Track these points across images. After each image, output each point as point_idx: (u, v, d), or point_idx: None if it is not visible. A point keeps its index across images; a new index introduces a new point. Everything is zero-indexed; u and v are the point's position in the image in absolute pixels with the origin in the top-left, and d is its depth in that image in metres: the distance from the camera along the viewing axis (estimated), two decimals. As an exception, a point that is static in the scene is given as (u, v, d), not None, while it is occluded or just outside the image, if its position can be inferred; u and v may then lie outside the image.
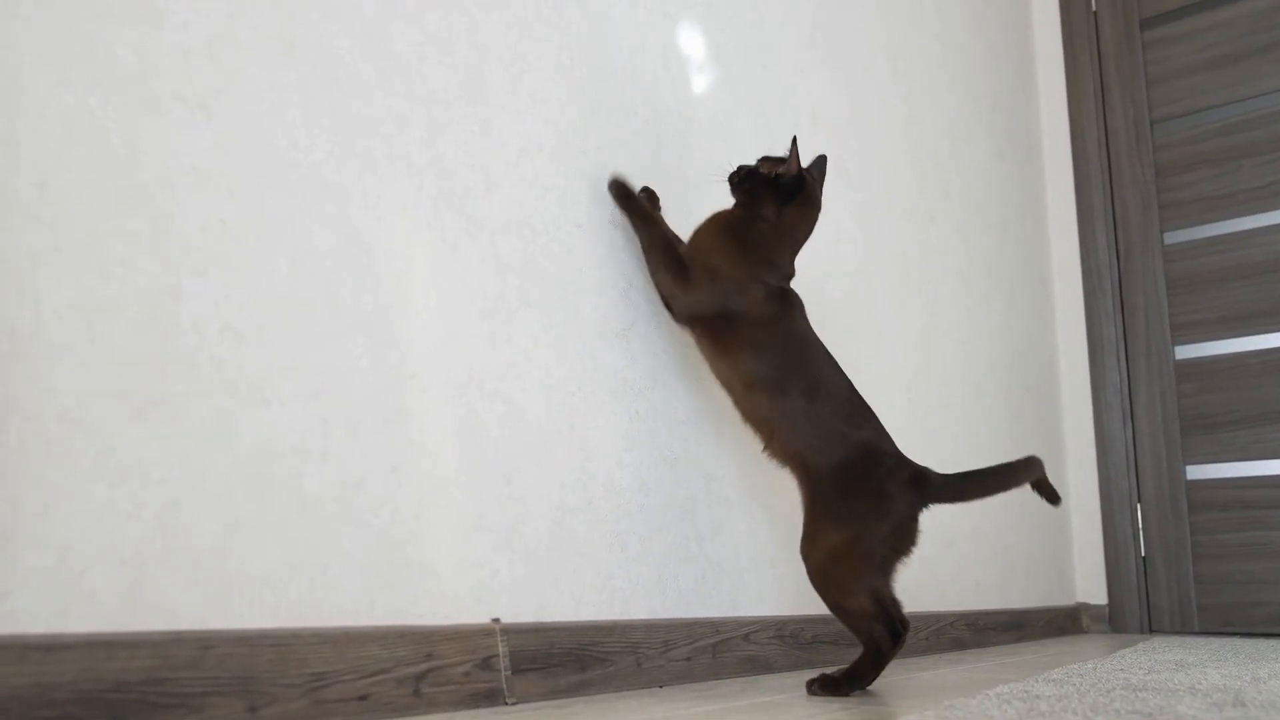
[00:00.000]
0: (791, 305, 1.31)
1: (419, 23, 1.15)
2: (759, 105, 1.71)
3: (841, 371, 1.31)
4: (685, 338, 1.48)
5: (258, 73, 0.98)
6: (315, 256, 1.01)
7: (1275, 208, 2.57)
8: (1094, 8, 2.86)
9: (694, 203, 1.53)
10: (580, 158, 1.35)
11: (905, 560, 1.24)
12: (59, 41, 0.84)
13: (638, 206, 1.35)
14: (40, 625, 0.77)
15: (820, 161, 1.39)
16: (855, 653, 1.23)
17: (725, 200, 1.65)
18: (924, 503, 1.24)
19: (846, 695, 1.17)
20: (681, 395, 1.46)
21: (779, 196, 1.30)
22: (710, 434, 1.50)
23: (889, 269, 2.04)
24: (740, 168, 1.34)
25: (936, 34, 2.37)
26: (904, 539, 1.23)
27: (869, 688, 1.23)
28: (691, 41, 1.58)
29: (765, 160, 1.33)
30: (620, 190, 1.35)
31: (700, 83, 1.59)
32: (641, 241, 1.35)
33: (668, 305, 1.35)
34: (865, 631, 1.20)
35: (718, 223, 1.32)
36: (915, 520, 1.23)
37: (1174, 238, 2.69)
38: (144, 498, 0.85)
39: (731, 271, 1.27)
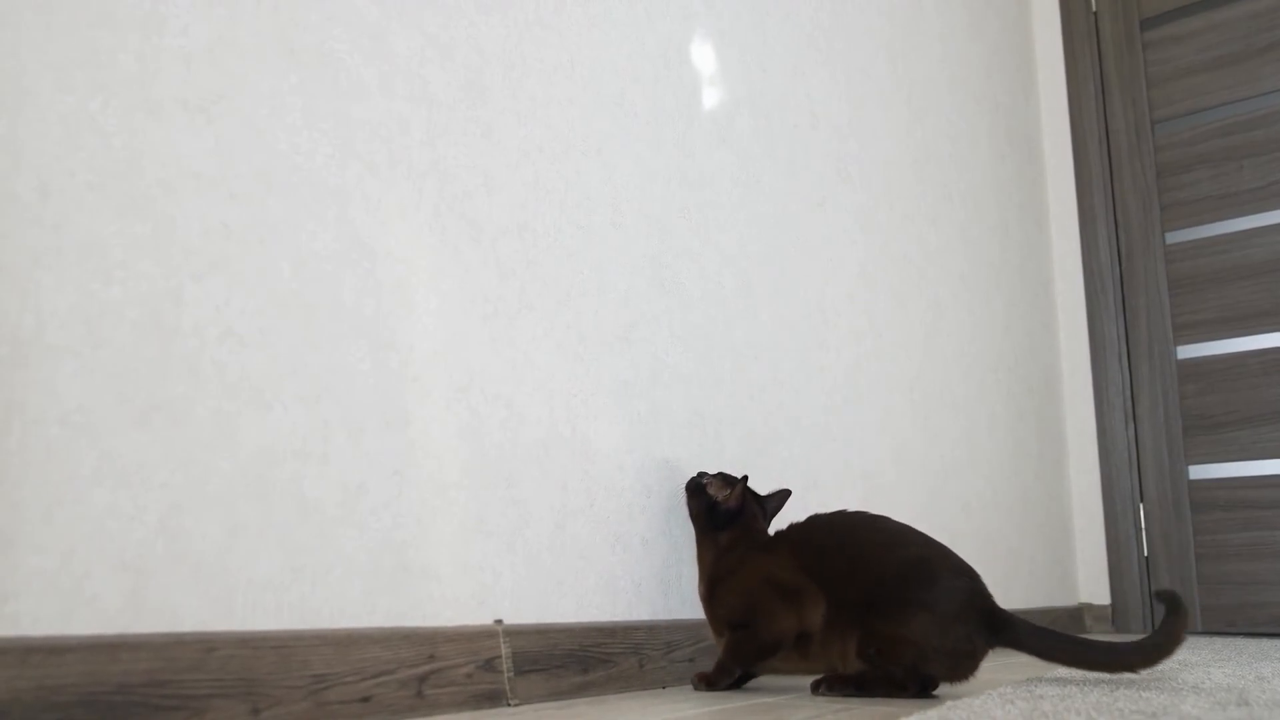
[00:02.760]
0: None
1: (419, 26, 1.16)
2: (759, 106, 1.72)
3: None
4: (687, 339, 1.48)
5: (258, 76, 0.98)
6: (316, 260, 1.01)
7: (1276, 207, 2.57)
8: (1094, 8, 2.86)
9: (695, 204, 1.54)
10: (581, 160, 1.35)
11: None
12: (60, 46, 0.84)
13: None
14: (43, 628, 0.77)
15: (782, 495, 1.38)
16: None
17: (730, 201, 1.66)
18: None
19: (851, 697, 1.17)
20: (682, 396, 1.46)
21: (715, 521, 1.31)
22: (712, 434, 1.50)
23: (890, 271, 2.04)
24: (700, 476, 1.36)
25: (937, 35, 2.37)
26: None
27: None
28: (692, 43, 1.58)
29: (718, 479, 1.34)
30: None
31: (700, 84, 1.59)
32: None
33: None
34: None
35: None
36: None
37: (1175, 238, 2.69)
38: (146, 501, 0.85)
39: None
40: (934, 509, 2.07)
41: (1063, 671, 1.39)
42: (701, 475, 1.37)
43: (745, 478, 1.32)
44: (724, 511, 1.31)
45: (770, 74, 1.76)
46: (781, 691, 1.24)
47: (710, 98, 1.61)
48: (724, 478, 1.35)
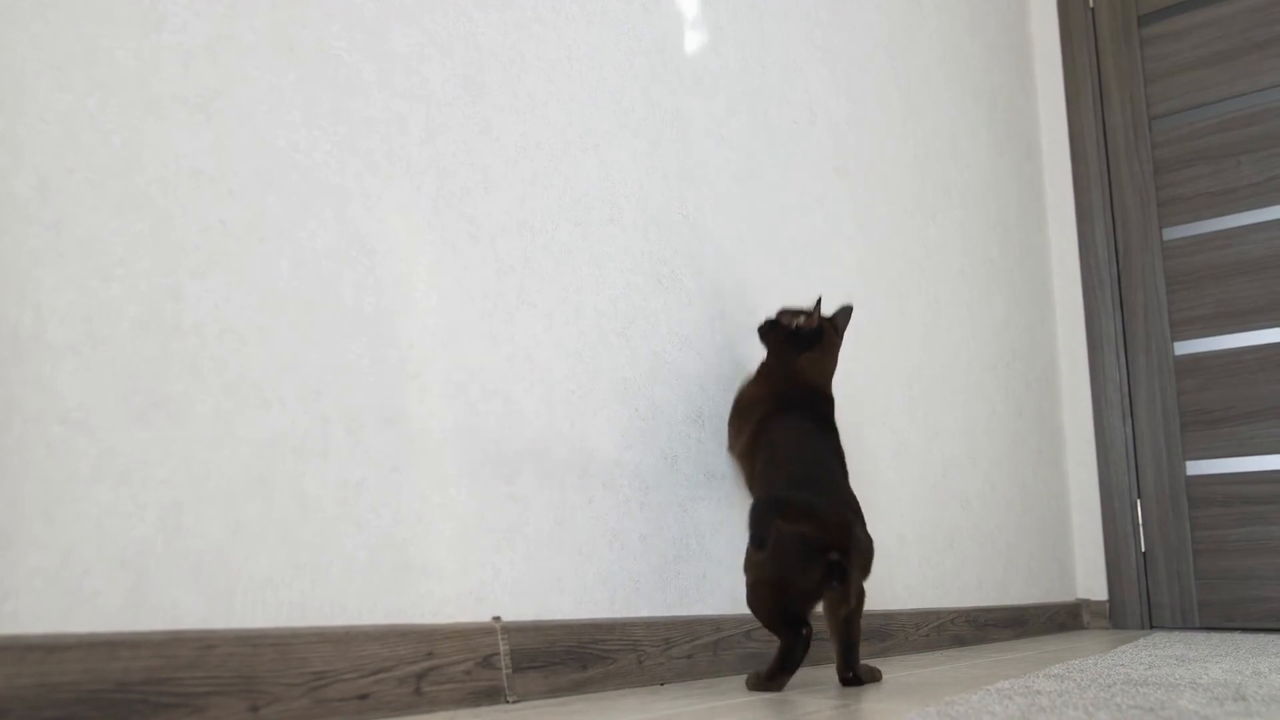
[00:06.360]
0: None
1: (418, 23, 1.16)
2: (758, 103, 1.72)
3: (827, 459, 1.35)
4: (685, 336, 1.49)
5: (257, 74, 0.98)
6: (315, 257, 1.01)
7: (1274, 203, 2.57)
8: (1092, 4, 2.86)
9: (693, 199, 1.54)
10: (579, 156, 1.35)
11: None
12: (58, 44, 0.84)
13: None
14: (43, 626, 0.77)
15: (846, 311, 1.52)
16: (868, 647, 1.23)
17: (728, 198, 1.66)
18: None
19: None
20: (682, 393, 1.46)
21: (798, 345, 1.45)
22: (711, 432, 1.50)
23: (889, 267, 2.05)
24: (765, 321, 1.48)
25: (936, 31, 2.37)
26: None
27: (866, 684, 1.25)
28: (690, 39, 1.58)
29: (785, 312, 1.47)
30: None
31: (698, 81, 1.59)
32: None
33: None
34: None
35: (755, 373, 1.50)
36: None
37: (1173, 234, 2.69)
38: (146, 499, 0.85)
39: (751, 406, 1.44)
40: (933, 505, 2.08)
41: (1059, 668, 1.39)
42: (781, 312, 1.48)
43: (819, 299, 1.44)
44: (806, 334, 1.44)
45: (768, 70, 1.76)
46: (785, 687, 1.25)
47: (708, 93, 1.61)
48: (791, 310, 1.47)
